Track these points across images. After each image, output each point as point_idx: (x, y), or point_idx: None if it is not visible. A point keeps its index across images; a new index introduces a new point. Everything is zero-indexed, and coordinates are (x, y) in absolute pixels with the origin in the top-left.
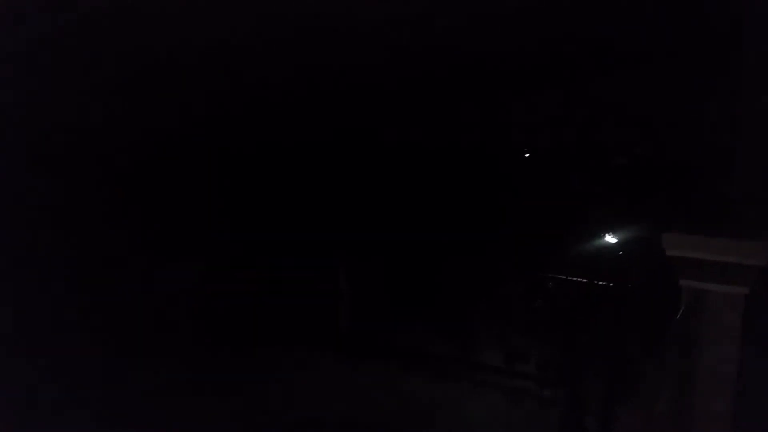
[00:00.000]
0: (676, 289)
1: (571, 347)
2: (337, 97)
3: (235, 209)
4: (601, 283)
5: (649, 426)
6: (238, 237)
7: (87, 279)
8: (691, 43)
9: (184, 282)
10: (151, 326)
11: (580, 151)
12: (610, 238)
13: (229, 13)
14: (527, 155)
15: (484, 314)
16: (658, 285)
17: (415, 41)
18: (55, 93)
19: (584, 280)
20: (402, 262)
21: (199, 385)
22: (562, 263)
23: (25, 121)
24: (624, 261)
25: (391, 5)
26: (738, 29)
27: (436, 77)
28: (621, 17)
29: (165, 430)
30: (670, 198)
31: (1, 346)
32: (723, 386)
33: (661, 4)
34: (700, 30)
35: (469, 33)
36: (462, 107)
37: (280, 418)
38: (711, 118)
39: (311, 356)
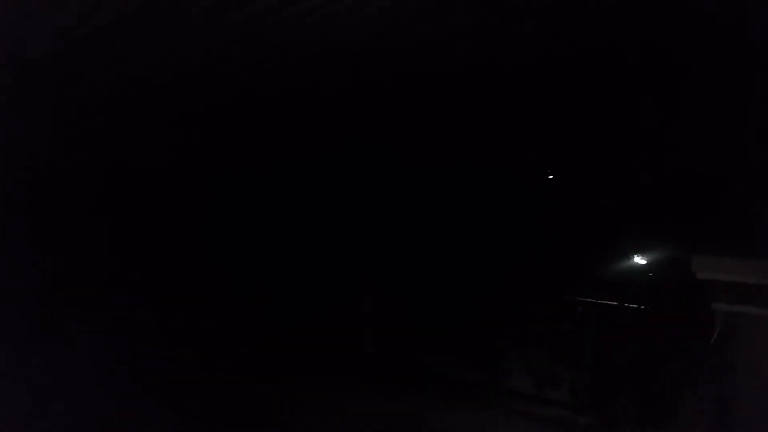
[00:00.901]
0: (708, 311)
1: (603, 372)
2: (355, 121)
3: (260, 234)
4: (631, 305)
5: None
6: (261, 262)
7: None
8: (718, 60)
9: (206, 311)
10: (171, 355)
11: (607, 172)
12: (640, 260)
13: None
14: (552, 177)
15: (513, 339)
16: (689, 308)
17: (434, 63)
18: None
19: (614, 303)
20: (427, 287)
21: (224, 413)
22: (591, 286)
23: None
24: (654, 283)
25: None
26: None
27: (460, 100)
28: (645, 34)
29: None
30: (700, 219)
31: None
32: (761, 410)
33: (686, 22)
34: (727, 47)
35: (488, 51)
36: (486, 131)
37: None
38: (740, 136)
39: (336, 382)
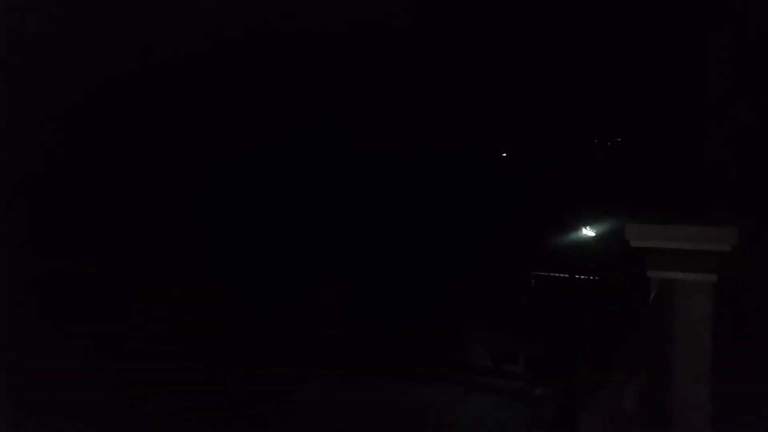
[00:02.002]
0: (643, 278)
1: (557, 343)
2: (320, 104)
3: (218, 221)
4: (580, 276)
5: (627, 417)
6: (219, 250)
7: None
8: (658, 35)
9: (165, 303)
10: (136, 351)
11: (555, 148)
12: (589, 232)
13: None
14: (504, 154)
15: (469, 315)
16: (627, 276)
17: (387, 39)
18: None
19: (565, 275)
20: (383, 269)
21: (188, 406)
22: (543, 260)
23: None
24: (602, 254)
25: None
26: (707, 21)
27: (406, 79)
28: (592, 6)
29: None
30: (642, 188)
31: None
32: (698, 374)
33: None
34: (668, 22)
35: (429, 27)
36: (434, 110)
37: None
38: (675, 109)
39: (299, 368)
